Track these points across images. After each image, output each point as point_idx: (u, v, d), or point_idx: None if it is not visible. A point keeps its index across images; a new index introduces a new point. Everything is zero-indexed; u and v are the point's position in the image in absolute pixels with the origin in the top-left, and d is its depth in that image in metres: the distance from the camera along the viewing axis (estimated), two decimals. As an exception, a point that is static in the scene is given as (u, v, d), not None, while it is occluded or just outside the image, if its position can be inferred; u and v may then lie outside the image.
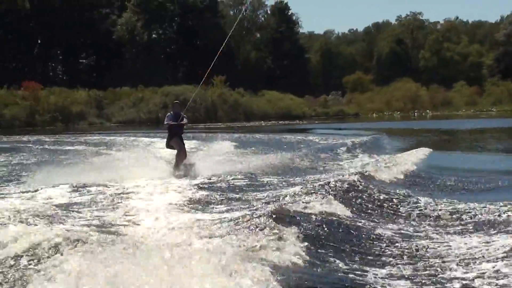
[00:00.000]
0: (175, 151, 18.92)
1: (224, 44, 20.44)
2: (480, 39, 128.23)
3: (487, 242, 8.45)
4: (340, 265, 7.61)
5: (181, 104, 19.54)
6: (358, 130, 46.93)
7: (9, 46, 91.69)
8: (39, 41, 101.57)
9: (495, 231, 9.24)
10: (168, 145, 19.03)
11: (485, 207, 10.97)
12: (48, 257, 7.09)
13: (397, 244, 8.72)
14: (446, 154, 25.01)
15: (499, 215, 10.28)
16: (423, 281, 6.93)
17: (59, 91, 72.95)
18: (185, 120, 18.57)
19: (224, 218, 10.22)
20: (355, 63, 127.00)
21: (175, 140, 18.58)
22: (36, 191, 13.98)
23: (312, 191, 12.26)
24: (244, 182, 15.64)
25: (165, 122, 18.55)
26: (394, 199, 12.49)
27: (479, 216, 10.46)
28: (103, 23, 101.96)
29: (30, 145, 35.00)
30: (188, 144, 21.11)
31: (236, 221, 9.60)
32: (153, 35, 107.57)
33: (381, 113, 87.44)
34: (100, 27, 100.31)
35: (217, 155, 22.15)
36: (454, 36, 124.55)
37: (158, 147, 27.18)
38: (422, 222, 10.57)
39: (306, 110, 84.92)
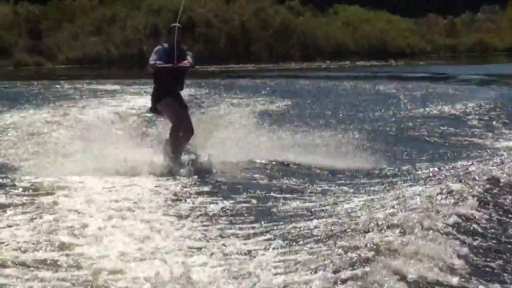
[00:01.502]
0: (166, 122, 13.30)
1: None
2: None
3: None
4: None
5: (183, 29, 13.16)
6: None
7: None
8: None
9: None
10: (154, 109, 12.63)
11: None
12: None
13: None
14: None
15: None
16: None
17: None
18: (188, 60, 11.86)
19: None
20: None
21: (167, 101, 12.14)
22: None
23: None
24: (292, 182, 10.62)
25: (151, 62, 12.02)
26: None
27: None
28: None
29: None
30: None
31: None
32: None
33: None
34: None
35: (238, 131, 13.71)
36: None
37: (138, 106, 21.68)
38: None
39: (413, 41, 64.69)
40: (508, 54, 64.31)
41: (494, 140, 17.54)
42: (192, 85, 27.66)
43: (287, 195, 9.46)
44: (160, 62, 11.63)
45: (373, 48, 62.64)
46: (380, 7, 69.76)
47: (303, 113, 20.63)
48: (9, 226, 7.72)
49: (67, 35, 57.59)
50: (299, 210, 8.70)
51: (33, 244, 7.12)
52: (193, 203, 8.76)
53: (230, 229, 7.92)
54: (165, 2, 57.33)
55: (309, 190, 9.82)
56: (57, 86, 34.08)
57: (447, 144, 16.10)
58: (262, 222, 8.04)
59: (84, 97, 28.16)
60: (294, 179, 10.48)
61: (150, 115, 14.52)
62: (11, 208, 8.54)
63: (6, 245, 7.14)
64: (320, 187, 10.07)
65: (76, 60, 54.90)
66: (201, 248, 7.21)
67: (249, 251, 7.21)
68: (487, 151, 14.66)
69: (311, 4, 66.77)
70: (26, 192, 9.25)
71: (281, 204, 8.91)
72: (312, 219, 8.25)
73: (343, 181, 10.50)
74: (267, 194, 9.51)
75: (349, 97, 27.52)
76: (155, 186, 9.90)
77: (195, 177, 10.48)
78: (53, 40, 57.31)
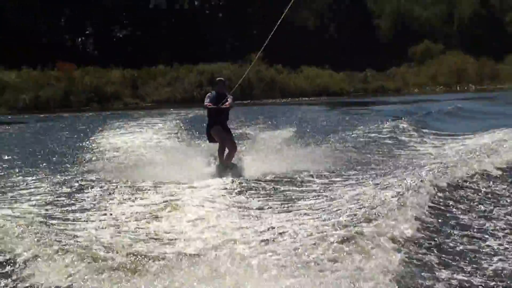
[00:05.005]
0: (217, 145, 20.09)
1: (276, 26, 19.77)
2: None
3: None
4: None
5: (225, 82, 20.61)
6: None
7: (36, 23, 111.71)
8: (66, 13, 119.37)
9: None
10: (210, 137, 20.20)
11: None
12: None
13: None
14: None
15: None
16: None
17: (94, 71, 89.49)
18: (229, 101, 19.45)
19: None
20: (431, 29, 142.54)
21: (216, 130, 19.75)
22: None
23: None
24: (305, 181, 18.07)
25: (205, 103, 19.52)
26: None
27: None
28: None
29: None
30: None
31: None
32: (196, 2, 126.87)
33: (422, 88, 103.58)
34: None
35: (263, 146, 23.77)
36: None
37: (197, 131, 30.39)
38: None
39: (344, 86, 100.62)
40: (396, 93, 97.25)
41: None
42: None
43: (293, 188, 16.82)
44: (210, 104, 19.03)
45: (321, 91, 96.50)
46: (347, 65, 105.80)
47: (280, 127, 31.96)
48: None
49: (152, 86, 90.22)
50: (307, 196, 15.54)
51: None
52: (231, 194, 16.02)
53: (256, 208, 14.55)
54: (207, 68, 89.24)
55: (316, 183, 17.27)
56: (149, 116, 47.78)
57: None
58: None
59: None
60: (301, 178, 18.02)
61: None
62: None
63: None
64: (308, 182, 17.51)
65: (158, 101, 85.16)
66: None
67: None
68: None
69: (288, 66, 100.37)
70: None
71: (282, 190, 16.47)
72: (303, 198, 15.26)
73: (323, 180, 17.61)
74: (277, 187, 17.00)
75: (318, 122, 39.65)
76: (212, 184, 17.01)
77: (235, 178, 17.81)
78: (144, 90, 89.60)
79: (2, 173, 21.51)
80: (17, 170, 22.06)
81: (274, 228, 12.59)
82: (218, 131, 19.42)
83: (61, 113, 67.71)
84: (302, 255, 10.54)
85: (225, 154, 19.55)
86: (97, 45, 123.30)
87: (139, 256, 10.81)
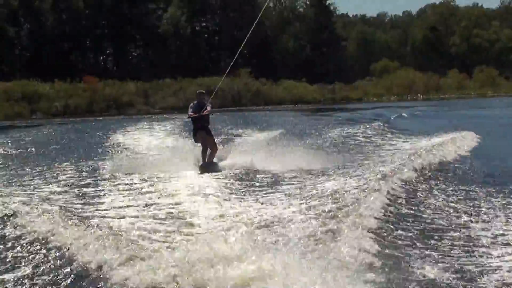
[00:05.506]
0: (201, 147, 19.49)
1: (250, 32, 21.08)
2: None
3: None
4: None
5: (206, 93, 20.38)
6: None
7: (66, 42, 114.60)
8: (91, 36, 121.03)
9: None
10: (195, 138, 19.96)
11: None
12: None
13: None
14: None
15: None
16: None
17: (113, 83, 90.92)
18: (208, 108, 19.18)
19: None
20: (390, 49, 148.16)
21: (200, 134, 19.41)
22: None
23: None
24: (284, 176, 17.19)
25: (188, 113, 19.29)
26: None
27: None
28: (150, 18, 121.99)
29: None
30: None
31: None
32: (196, 28, 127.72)
33: (379, 98, 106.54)
34: (147, 22, 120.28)
35: (243, 146, 23.46)
36: (485, 22, 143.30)
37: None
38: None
39: (316, 96, 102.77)
40: (358, 101, 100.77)
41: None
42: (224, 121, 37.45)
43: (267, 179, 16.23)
44: (192, 114, 19.12)
45: (297, 100, 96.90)
46: (321, 79, 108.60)
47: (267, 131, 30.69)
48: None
49: (160, 96, 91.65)
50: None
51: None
52: (208, 181, 15.84)
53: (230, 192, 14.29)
54: (205, 81, 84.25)
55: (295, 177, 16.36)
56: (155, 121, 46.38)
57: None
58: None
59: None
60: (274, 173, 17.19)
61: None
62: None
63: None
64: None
65: (165, 107, 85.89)
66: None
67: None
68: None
69: (270, 78, 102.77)
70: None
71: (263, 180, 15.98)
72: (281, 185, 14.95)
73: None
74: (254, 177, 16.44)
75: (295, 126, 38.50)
76: (196, 175, 17.25)
77: (212, 173, 17.57)
78: (154, 99, 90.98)
79: (43, 162, 22.47)
80: (52, 159, 23.41)
81: (236, 209, 12.80)
82: (202, 135, 19.14)
83: (86, 117, 69.83)
84: (261, 235, 10.43)
85: (208, 155, 19.27)
86: (116, 62, 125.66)
87: (138, 222, 11.71)
